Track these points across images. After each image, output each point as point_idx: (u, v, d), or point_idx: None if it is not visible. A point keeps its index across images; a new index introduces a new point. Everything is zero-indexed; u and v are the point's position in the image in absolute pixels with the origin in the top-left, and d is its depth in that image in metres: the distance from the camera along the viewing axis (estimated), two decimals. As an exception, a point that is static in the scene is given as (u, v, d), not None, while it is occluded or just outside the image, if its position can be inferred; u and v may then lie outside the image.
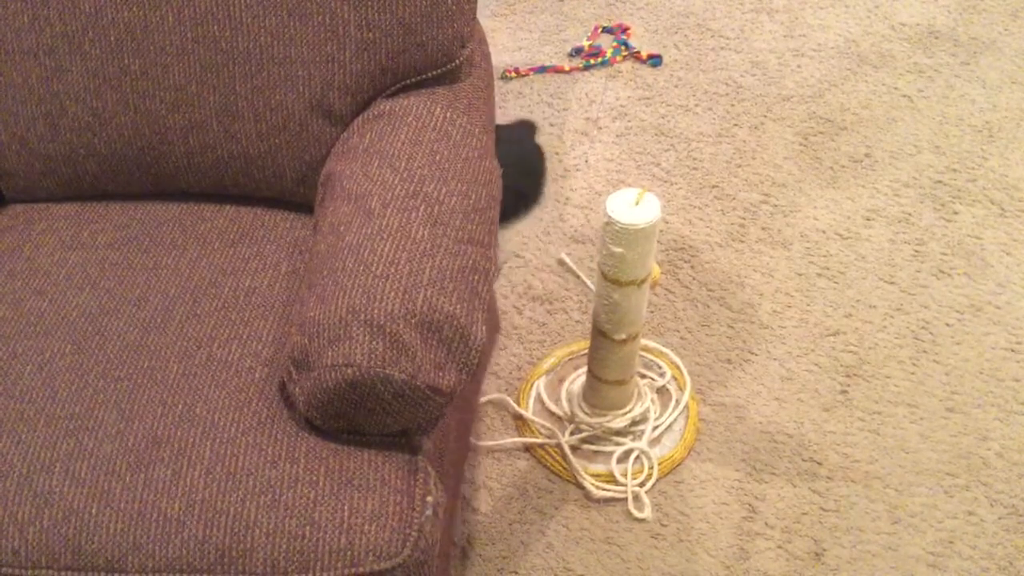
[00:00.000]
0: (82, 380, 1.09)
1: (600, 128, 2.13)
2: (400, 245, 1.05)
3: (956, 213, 1.92)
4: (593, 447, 1.54)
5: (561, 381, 1.63)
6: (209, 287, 1.20)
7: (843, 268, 1.82)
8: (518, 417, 1.60)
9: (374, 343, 0.98)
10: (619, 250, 1.29)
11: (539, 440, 1.55)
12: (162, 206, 1.32)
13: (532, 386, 1.64)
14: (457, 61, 1.24)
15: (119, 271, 1.22)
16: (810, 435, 1.56)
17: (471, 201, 1.13)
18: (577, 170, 2.04)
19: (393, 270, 1.02)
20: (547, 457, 1.54)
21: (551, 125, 2.14)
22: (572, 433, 1.55)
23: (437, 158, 1.16)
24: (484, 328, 1.03)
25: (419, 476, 1.02)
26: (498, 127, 2.01)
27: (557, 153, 2.07)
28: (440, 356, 1.00)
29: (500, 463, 1.55)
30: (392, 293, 1.00)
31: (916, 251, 1.85)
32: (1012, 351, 1.67)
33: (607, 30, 2.38)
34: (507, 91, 2.23)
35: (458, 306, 1.02)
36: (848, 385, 1.63)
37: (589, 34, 2.37)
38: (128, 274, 1.22)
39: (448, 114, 1.21)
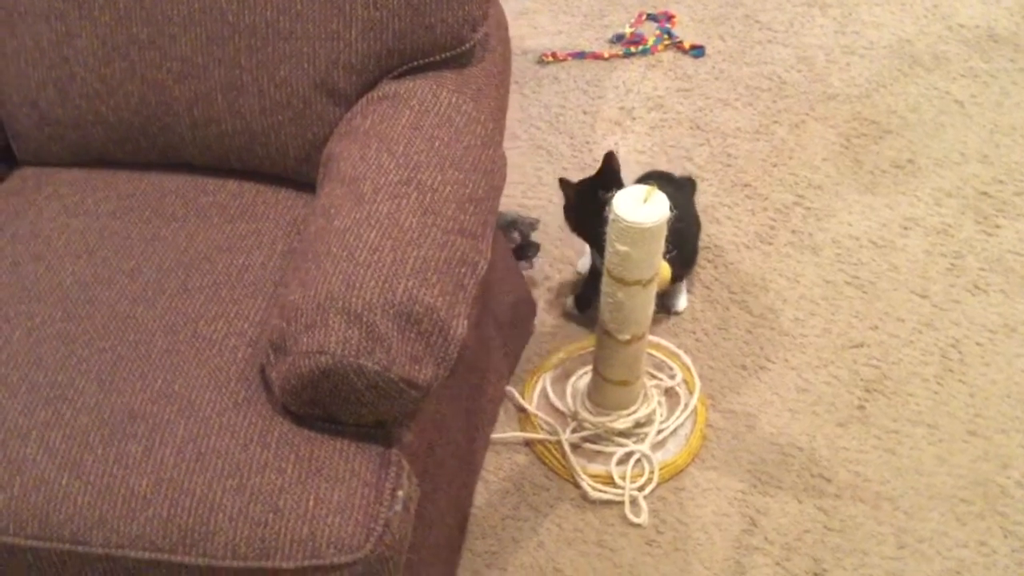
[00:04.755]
0: (68, 348, 1.09)
1: (634, 119, 2.08)
2: (386, 232, 1.02)
3: (998, 227, 1.83)
4: (595, 447, 1.50)
5: (568, 376, 1.60)
6: (203, 262, 1.19)
7: (874, 278, 1.75)
8: (521, 410, 1.57)
9: (349, 331, 0.96)
10: (624, 248, 1.25)
11: (540, 436, 1.52)
12: (167, 177, 1.31)
13: (539, 380, 1.61)
14: (468, 45, 1.21)
15: (117, 240, 1.22)
16: (821, 450, 1.51)
17: (467, 191, 1.10)
18: (607, 160, 1.99)
19: (376, 258, 1.00)
20: (547, 454, 1.51)
21: (584, 113, 2.09)
22: (574, 431, 1.51)
23: (436, 144, 1.13)
24: (466, 323, 1.00)
25: (391, 470, 1.00)
26: (656, 180, 1.68)
27: (588, 143, 2.03)
28: (417, 349, 0.97)
29: (499, 456, 1.52)
30: (372, 282, 0.98)
31: (952, 264, 1.77)
32: (1044, 376, 1.59)
33: (651, 17, 2.32)
34: (543, 75, 2.19)
35: (440, 299, 0.99)
36: (866, 400, 1.57)
37: (632, 20, 2.31)
38: (125, 244, 1.21)
39: (454, 99, 1.18)
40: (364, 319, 0.96)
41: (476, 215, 1.09)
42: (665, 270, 1.35)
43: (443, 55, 1.20)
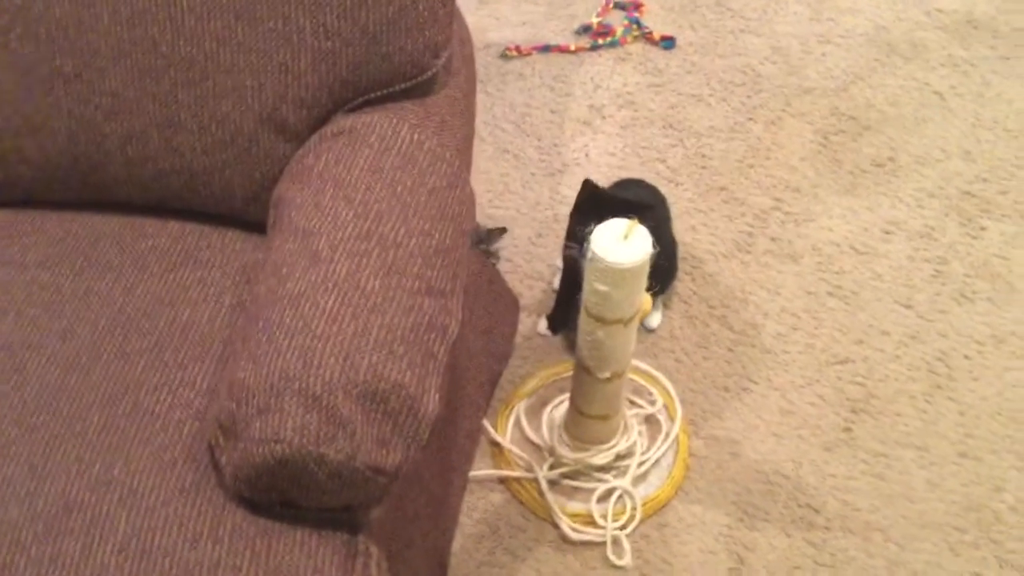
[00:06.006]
0: (-6, 428, 0.98)
1: (604, 117, 1.98)
2: (346, 299, 0.92)
3: (983, 229, 1.77)
4: (573, 483, 1.43)
5: (544, 405, 1.51)
6: (143, 319, 1.08)
7: (856, 287, 1.68)
8: (495, 445, 1.48)
9: (308, 417, 0.86)
10: (604, 288, 1.16)
11: (515, 473, 1.44)
12: (101, 218, 1.20)
13: (512, 410, 1.52)
14: (429, 73, 1.10)
15: (47, 296, 1.10)
16: (808, 477, 1.45)
17: (434, 241, 1.00)
18: (577, 164, 1.89)
19: (335, 329, 0.90)
20: (523, 492, 1.43)
21: (552, 112, 1.99)
22: (551, 467, 1.43)
23: (398, 189, 1.02)
24: (437, 396, 0.91)
25: (358, 561, 0.91)
26: (631, 189, 1.62)
27: (556, 145, 1.93)
28: (384, 431, 0.88)
29: (472, 495, 1.44)
30: (332, 358, 0.88)
31: (937, 271, 1.70)
32: (1035, 391, 1.54)
33: (619, 5, 2.21)
34: (507, 71, 2.08)
35: (408, 373, 0.90)
36: (853, 422, 1.51)
37: (599, 9, 2.20)
38: (56, 300, 1.10)
39: (416, 135, 1.08)
40: (324, 401, 0.87)
41: (444, 268, 1.00)
42: (647, 303, 1.26)
43: (402, 85, 1.10)
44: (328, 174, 1.04)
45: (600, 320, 1.21)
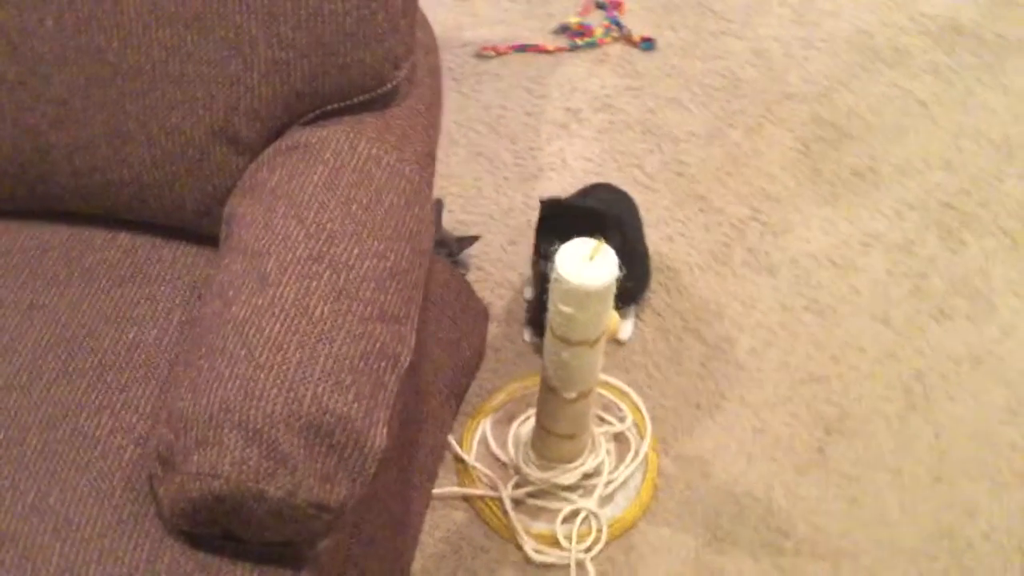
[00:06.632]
0: (-74, 452, 0.94)
1: (581, 121, 1.94)
2: (292, 325, 0.88)
3: (963, 243, 1.74)
4: (539, 502, 1.39)
5: (511, 420, 1.48)
6: (88, 337, 1.04)
7: (833, 302, 1.65)
8: (459, 460, 1.45)
9: (247, 451, 0.82)
10: (568, 310, 1.12)
11: (479, 491, 1.40)
12: (50, 229, 1.15)
13: (478, 425, 1.48)
14: (389, 85, 1.06)
15: (-11, 310, 1.06)
16: (779, 500, 1.42)
17: (388, 263, 0.96)
18: (552, 170, 1.85)
19: (280, 358, 0.86)
20: (487, 510, 1.39)
21: (527, 114, 1.95)
22: (516, 486, 1.40)
23: (353, 208, 0.98)
24: (386, 430, 0.87)
25: (301, 601, 0.87)
26: (601, 194, 1.59)
27: (531, 148, 1.89)
28: (328, 466, 0.84)
29: (435, 512, 1.40)
30: (275, 389, 0.84)
31: (916, 286, 1.67)
32: (1012, 413, 1.51)
33: (599, 4, 2.17)
34: (483, 72, 2.03)
35: (355, 405, 0.86)
36: (826, 443, 1.48)
37: (579, 8, 2.16)
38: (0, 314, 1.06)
39: (373, 150, 1.03)
40: (265, 435, 0.83)
41: (399, 292, 0.96)
42: (614, 322, 1.23)
43: (361, 98, 1.05)
44: (281, 190, 1.00)
45: (565, 341, 1.17)
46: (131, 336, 1.04)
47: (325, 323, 0.89)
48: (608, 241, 1.13)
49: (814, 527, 1.39)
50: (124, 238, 1.13)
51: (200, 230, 1.12)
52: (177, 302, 1.08)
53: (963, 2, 2.20)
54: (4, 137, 1.08)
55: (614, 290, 1.13)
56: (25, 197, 1.13)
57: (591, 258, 1.11)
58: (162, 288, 1.09)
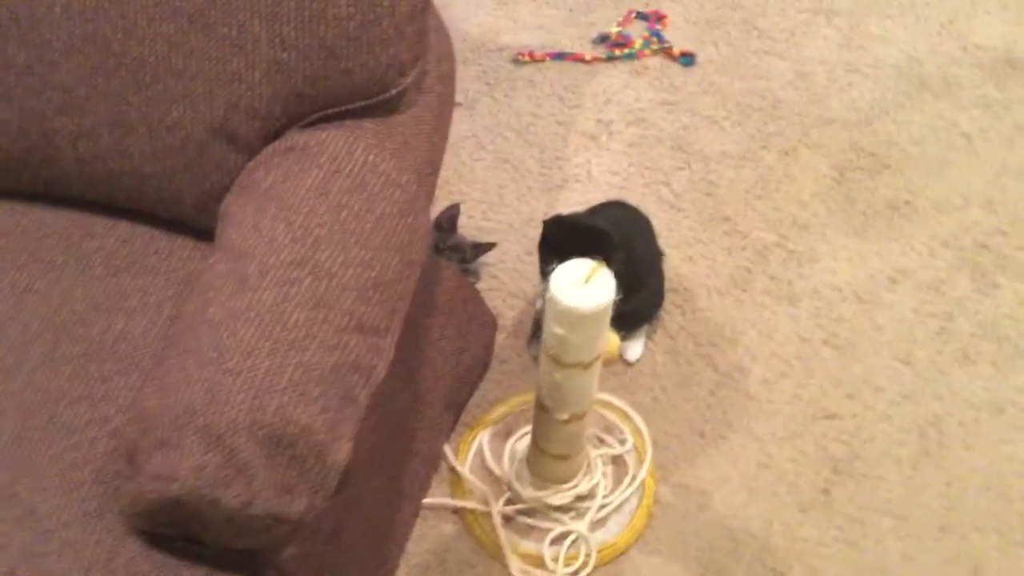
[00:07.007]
0: (-95, 429, 0.95)
1: (611, 133, 1.91)
2: (266, 331, 0.87)
3: (996, 287, 1.67)
4: (529, 520, 1.37)
5: (508, 435, 1.45)
6: (77, 325, 1.04)
7: (854, 338, 1.60)
8: (453, 471, 1.43)
9: (207, 456, 0.82)
10: (561, 331, 1.10)
11: (470, 505, 1.38)
12: (52, 213, 1.16)
13: (476, 436, 1.46)
14: (393, 92, 1.04)
15: (-18, 291, 1.07)
16: (777, 539, 1.37)
17: (373, 273, 0.95)
18: (577, 181, 1.83)
19: (248, 364, 0.85)
20: (476, 525, 1.37)
21: (558, 123, 1.92)
22: (508, 502, 1.38)
23: (343, 215, 0.97)
24: (349, 444, 0.86)
25: (258, 610, 0.86)
26: (613, 211, 1.55)
27: (558, 158, 1.86)
28: (288, 478, 0.83)
29: (424, 522, 1.39)
30: (240, 396, 0.83)
31: (942, 327, 1.62)
32: (1029, 467, 1.45)
33: (641, 15, 2.13)
34: (517, 77, 2.01)
35: (320, 418, 0.85)
36: (833, 483, 1.43)
37: (620, 19, 2.12)
38: (-7, 296, 1.06)
39: (370, 157, 1.02)
40: (226, 442, 0.82)
41: (381, 304, 0.94)
42: (613, 346, 1.20)
43: (363, 103, 1.04)
44: (273, 192, 0.99)
45: (558, 362, 1.14)
46: (119, 327, 1.04)
47: (299, 331, 0.88)
48: (610, 262, 1.10)
49: (810, 570, 1.35)
50: (124, 227, 1.14)
51: (198, 225, 1.12)
52: (169, 295, 1.07)
53: (1020, 34, 2.12)
54: (10, 120, 1.09)
55: (611, 313, 1.11)
56: (30, 180, 1.14)
57: (587, 280, 1.08)
58: (156, 280, 1.09)
